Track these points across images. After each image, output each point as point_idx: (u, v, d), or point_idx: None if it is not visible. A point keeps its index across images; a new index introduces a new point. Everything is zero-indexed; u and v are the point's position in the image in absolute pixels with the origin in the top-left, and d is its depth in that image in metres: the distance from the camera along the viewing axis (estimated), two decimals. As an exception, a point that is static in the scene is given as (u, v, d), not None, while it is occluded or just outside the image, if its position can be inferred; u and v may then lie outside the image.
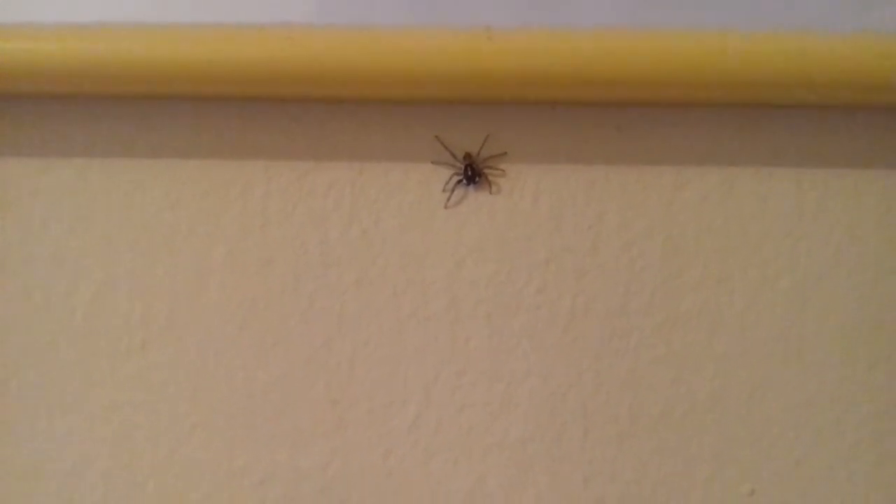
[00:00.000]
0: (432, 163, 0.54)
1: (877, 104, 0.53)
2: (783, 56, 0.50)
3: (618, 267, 0.55)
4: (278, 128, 0.54)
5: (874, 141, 0.54)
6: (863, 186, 0.55)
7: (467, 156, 0.54)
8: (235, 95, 0.53)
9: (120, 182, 0.55)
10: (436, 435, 0.56)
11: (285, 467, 0.56)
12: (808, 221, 0.55)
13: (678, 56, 0.50)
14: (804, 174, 0.55)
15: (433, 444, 0.56)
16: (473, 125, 0.54)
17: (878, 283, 0.55)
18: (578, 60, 0.50)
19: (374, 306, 0.55)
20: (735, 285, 0.55)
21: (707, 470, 0.56)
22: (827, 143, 0.54)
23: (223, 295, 0.55)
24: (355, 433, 0.56)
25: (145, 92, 0.53)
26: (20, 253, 0.55)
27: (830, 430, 0.56)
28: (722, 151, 0.55)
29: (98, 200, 0.55)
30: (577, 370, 0.56)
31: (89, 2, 0.51)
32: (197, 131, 0.54)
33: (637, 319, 0.55)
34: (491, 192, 0.55)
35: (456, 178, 0.54)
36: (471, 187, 0.54)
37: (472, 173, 0.54)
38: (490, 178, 0.55)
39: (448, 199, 0.55)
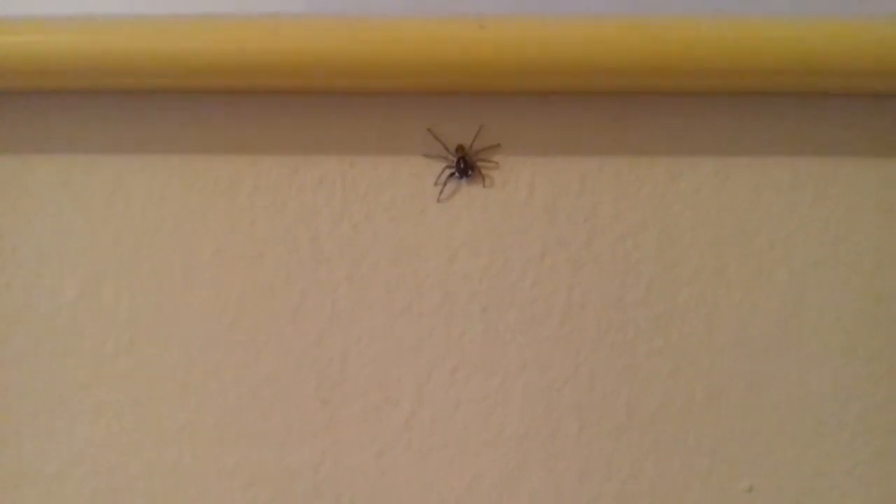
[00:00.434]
0: (424, 155, 0.54)
1: (875, 91, 0.53)
2: (779, 42, 0.50)
3: (613, 259, 0.55)
4: (266, 121, 0.54)
5: (872, 129, 0.54)
6: (860, 175, 0.54)
7: (460, 148, 0.54)
8: (222, 88, 0.53)
9: (105, 178, 0.54)
10: (430, 433, 0.56)
11: (275, 467, 0.55)
12: (805, 211, 0.55)
13: (672, 43, 0.50)
14: (800, 163, 0.54)
15: (427, 442, 0.56)
16: (466, 117, 0.54)
17: (876, 273, 0.55)
18: (572, 49, 0.50)
19: (366, 302, 0.55)
20: (731, 277, 0.55)
21: (705, 465, 0.56)
22: (824, 131, 0.54)
23: (211, 292, 0.55)
24: (347, 432, 0.55)
25: (130, 85, 0.52)
26: (3, 251, 0.54)
27: (830, 423, 0.56)
28: (717, 140, 0.54)
29: (82, 196, 0.54)
30: (573, 364, 0.55)
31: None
32: (183, 125, 0.54)
33: (633, 312, 0.55)
34: (484, 185, 0.54)
35: (448, 171, 0.54)
36: (463, 180, 0.54)
37: (465, 166, 0.54)
38: (483, 170, 0.54)
39: (440, 192, 0.54)
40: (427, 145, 0.54)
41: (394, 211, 0.54)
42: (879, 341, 0.55)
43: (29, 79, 0.51)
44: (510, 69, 0.50)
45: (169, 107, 0.53)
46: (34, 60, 0.49)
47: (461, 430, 0.56)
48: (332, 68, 0.50)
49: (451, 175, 0.54)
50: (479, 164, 0.54)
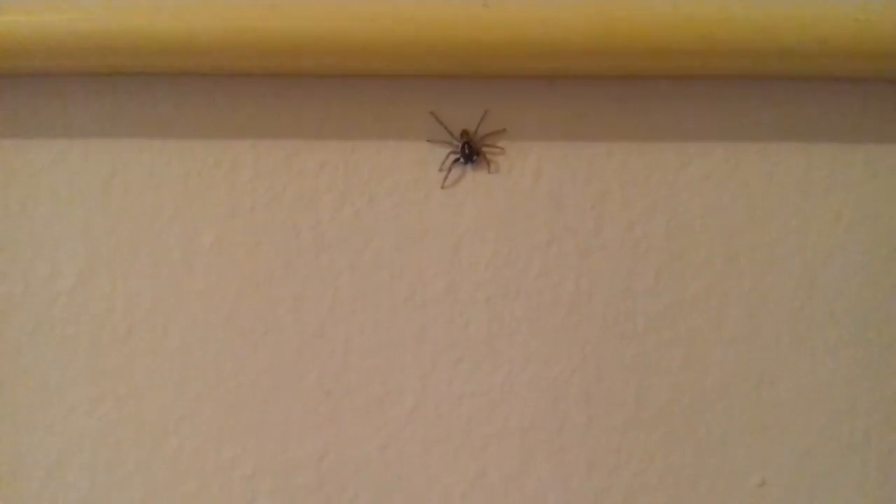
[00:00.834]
0: (428, 141, 0.54)
1: (891, 75, 0.52)
2: (792, 23, 0.49)
3: (621, 248, 0.54)
4: (266, 104, 0.53)
5: (886, 114, 0.54)
6: (874, 162, 0.54)
7: (465, 133, 0.53)
8: (219, 70, 0.52)
9: (101, 163, 0.54)
10: (434, 425, 0.55)
11: (277, 460, 0.55)
12: (818, 199, 0.54)
13: (681, 24, 0.50)
14: (813, 149, 0.54)
15: (431, 434, 0.55)
16: (471, 101, 0.53)
17: (890, 262, 0.54)
18: (578, 29, 0.50)
19: (368, 291, 0.54)
20: (742, 266, 0.54)
21: (715, 459, 0.55)
22: (837, 116, 0.54)
23: (210, 281, 0.54)
24: (350, 424, 0.55)
25: (124, 67, 0.52)
26: (-3, 238, 0.54)
27: (842, 416, 0.55)
28: (728, 126, 0.54)
29: (78, 182, 0.54)
30: (580, 356, 0.55)
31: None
32: (180, 108, 0.53)
33: (642, 302, 0.54)
34: (489, 171, 0.54)
35: (453, 157, 0.54)
36: (468, 166, 0.54)
37: (470, 151, 0.53)
38: (488, 156, 0.54)
39: (445, 178, 0.54)
40: (431, 130, 0.53)
41: (397, 197, 0.54)
42: (893, 332, 0.55)
43: (23, 61, 0.50)
44: (515, 50, 0.50)
45: (166, 90, 0.53)
46: (28, 42, 0.49)
47: (466, 422, 0.55)
48: (332, 49, 0.50)
49: (456, 161, 0.53)
50: (485, 149, 0.54)
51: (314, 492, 0.55)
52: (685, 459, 0.55)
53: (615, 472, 0.55)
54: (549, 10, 0.49)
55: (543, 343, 0.55)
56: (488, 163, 0.54)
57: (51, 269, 0.54)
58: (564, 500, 0.55)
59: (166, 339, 0.54)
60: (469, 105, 0.53)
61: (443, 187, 0.54)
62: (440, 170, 0.54)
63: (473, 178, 0.54)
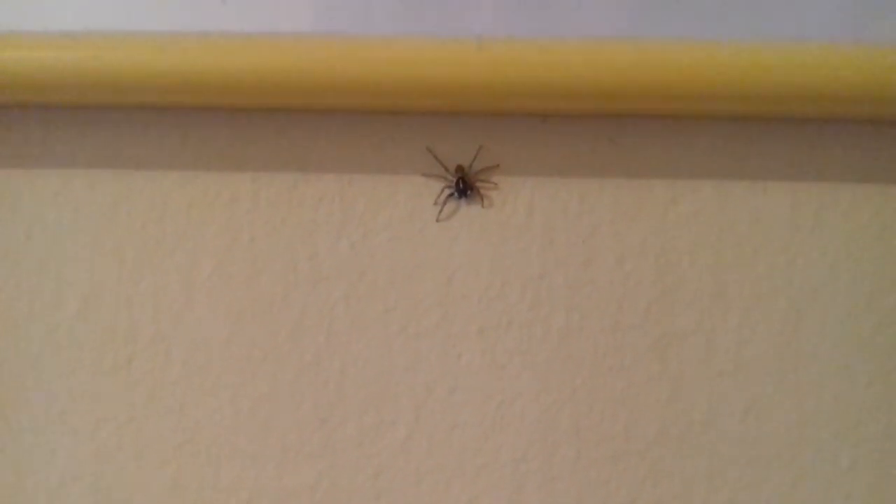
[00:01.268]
0: (423, 175, 0.54)
1: (875, 117, 0.53)
2: (779, 68, 0.50)
3: (612, 282, 0.55)
4: (266, 139, 0.54)
5: (871, 155, 0.54)
6: (859, 201, 0.54)
7: (459, 168, 0.54)
8: (222, 105, 0.53)
9: (105, 193, 0.54)
10: (427, 455, 0.55)
11: (272, 487, 0.55)
12: (804, 236, 0.55)
13: (672, 67, 0.50)
14: (800, 188, 0.54)
15: (424, 464, 0.55)
16: (465, 137, 0.54)
17: (875, 298, 0.55)
18: (570, 71, 0.50)
19: (363, 322, 0.55)
20: (730, 301, 0.55)
21: (703, 490, 0.55)
22: (823, 156, 0.54)
23: (210, 309, 0.55)
24: (344, 453, 0.55)
25: (130, 102, 0.52)
26: (3, 266, 0.55)
27: (828, 449, 0.55)
28: (716, 164, 0.54)
29: (83, 212, 0.54)
30: (571, 387, 0.55)
31: (73, 10, 0.51)
32: (183, 142, 0.54)
33: (631, 336, 0.55)
34: (483, 206, 0.54)
35: (448, 191, 0.54)
36: (463, 200, 0.54)
37: (464, 186, 0.54)
38: (482, 191, 0.54)
39: (440, 212, 0.54)
40: (426, 165, 0.54)
41: (392, 230, 0.54)
42: (878, 367, 0.55)
43: (30, 94, 0.51)
44: (509, 90, 0.50)
45: (170, 123, 0.54)
46: (36, 76, 0.50)
47: (458, 452, 0.55)
48: (331, 87, 0.50)
49: (451, 195, 0.54)
50: (479, 184, 0.54)
51: (308, 518, 0.55)
52: (674, 491, 0.55)
53: (605, 503, 0.55)
54: (541, 52, 0.50)
55: (535, 375, 0.55)
56: (482, 197, 0.54)
57: (55, 296, 0.54)
58: (554, 530, 0.55)
59: (167, 367, 0.55)
60: (464, 141, 0.54)
61: (437, 221, 0.54)
62: (435, 204, 0.54)
63: (467, 212, 0.54)
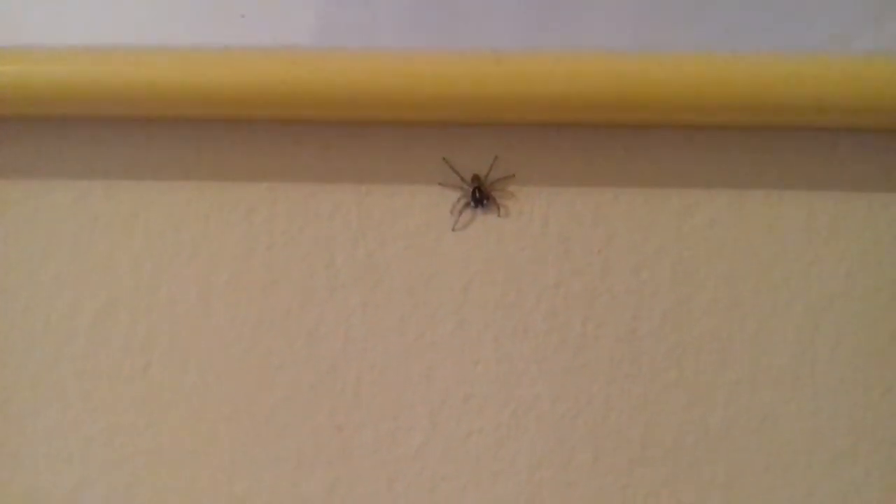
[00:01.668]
0: (440, 185, 0.54)
1: (891, 127, 0.53)
2: (794, 78, 0.50)
3: (627, 291, 0.55)
4: (283, 150, 0.54)
5: (887, 164, 0.54)
6: (875, 210, 0.54)
7: (475, 178, 0.54)
8: (239, 118, 0.53)
9: (122, 204, 0.54)
10: (442, 462, 0.55)
11: (288, 494, 0.55)
12: (820, 245, 0.54)
13: (687, 79, 0.50)
14: (815, 197, 0.54)
15: (439, 471, 0.55)
16: (481, 147, 0.54)
17: (891, 307, 0.55)
18: (587, 83, 0.50)
19: (380, 330, 0.55)
20: (746, 310, 0.55)
21: (719, 498, 0.55)
22: (839, 165, 0.54)
23: (227, 318, 0.55)
24: (360, 460, 0.55)
25: (148, 114, 0.53)
26: (21, 275, 0.55)
27: (844, 457, 0.55)
28: (732, 174, 0.54)
29: (100, 222, 0.55)
30: (587, 396, 0.55)
31: (90, 24, 0.51)
32: (200, 153, 0.54)
33: (648, 344, 0.55)
34: (499, 215, 0.54)
35: (464, 201, 0.54)
36: (479, 210, 0.54)
37: (481, 196, 0.54)
38: (498, 200, 0.54)
39: (455, 221, 0.54)
40: (443, 175, 0.54)
41: (409, 239, 0.54)
42: (894, 376, 0.55)
43: (50, 107, 0.51)
44: (525, 102, 0.50)
45: (187, 134, 0.54)
46: (54, 89, 0.50)
47: (473, 459, 0.55)
48: (348, 101, 0.50)
49: (467, 205, 0.54)
50: (495, 194, 0.54)
51: (324, 526, 0.55)
52: (690, 499, 0.55)
53: (620, 511, 0.55)
54: (558, 65, 0.50)
55: (550, 383, 0.55)
56: (498, 207, 0.54)
57: (72, 305, 0.55)
58: (569, 538, 0.55)
59: (183, 375, 0.55)
60: (480, 151, 0.54)
61: (453, 230, 0.54)
62: (451, 213, 0.54)
63: (483, 221, 0.54)
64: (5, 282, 0.55)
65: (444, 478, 0.55)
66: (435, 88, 0.50)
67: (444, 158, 0.54)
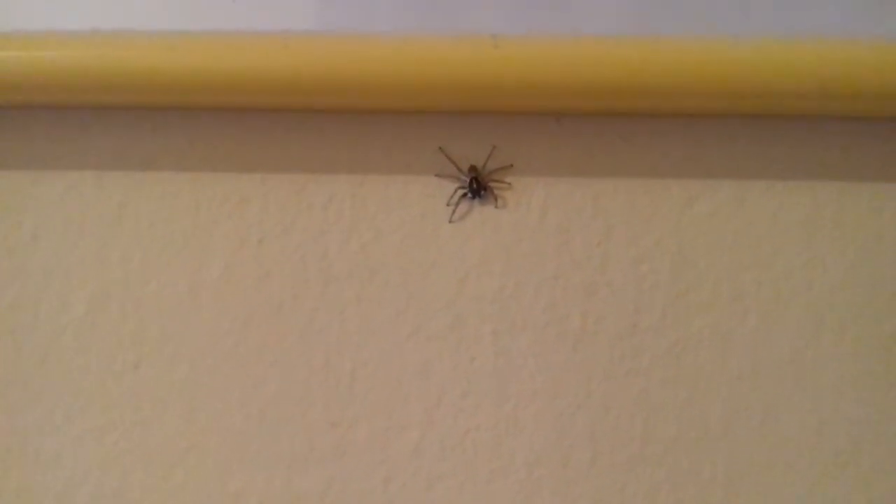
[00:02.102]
0: (436, 175, 0.54)
1: (894, 115, 0.52)
2: (797, 64, 0.50)
3: (627, 284, 0.54)
4: (276, 139, 0.54)
5: (891, 154, 0.54)
6: (880, 201, 0.54)
7: (472, 168, 0.53)
8: (231, 105, 0.53)
9: (112, 195, 0.54)
10: (439, 459, 0.55)
11: (282, 492, 0.55)
12: (824, 237, 0.54)
13: (688, 64, 0.50)
14: (819, 187, 0.54)
15: (436, 468, 0.55)
16: (479, 137, 0.54)
17: (895, 300, 0.54)
18: (586, 69, 0.50)
19: (374, 324, 0.54)
20: (748, 303, 0.54)
21: (720, 496, 0.55)
22: (843, 154, 0.54)
23: (218, 312, 0.54)
24: (355, 457, 0.55)
25: (138, 102, 0.52)
26: (9, 267, 0.54)
27: (848, 454, 0.55)
28: (734, 163, 0.54)
29: (90, 214, 0.54)
30: (586, 391, 0.55)
31: (79, 9, 0.51)
32: (191, 142, 0.54)
33: (647, 338, 0.54)
34: (497, 206, 0.54)
35: (461, 192, 0.54)
36: (476, 201, 0.54)
37: (478, 186, 0.53)
38: (496, 191, 0.54)
39: (452, 212, 0.54)
40: (439, 165, 0.54)
41: (404, 231, 0.54)
42: (900, 370, 0.54)
43: (37, 94, 0.51)
44: (524, 88, 0.50)
45: (177, 124, 0.53)
46: (42, 76, 0.49)
47: (471, 456, 0.55)
48: (342, 86, 0.50)
49: (464, 195, 0.54)
50: (492, 184, 0.54)
51: (318, 524, 0.55)
52: (690, 496, 0.55)
53: (620, 509, 0.55)
54: (557, 50, 0.50)
55: (549, 378, 0.54)
56: (495, 198, 0.54)
57: (61, 299, 0.54)
58: (569, 536, 0.55)
59: (174, 370, 0.54)
60: (477, 141, 0.53)
61: (450, 221, 0.54)
62: (448, 204, 0.54)
63: (481, 212, 0.54)
64: (-8, 275, 0.55)
65: (441, 476, 0.55)
66: (431, 73, 0.49)
67: (440, 148, 0.54)
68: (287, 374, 0.54)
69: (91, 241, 0.54)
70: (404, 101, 0.51)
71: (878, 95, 0.50)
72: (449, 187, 0.54)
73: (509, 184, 0.54)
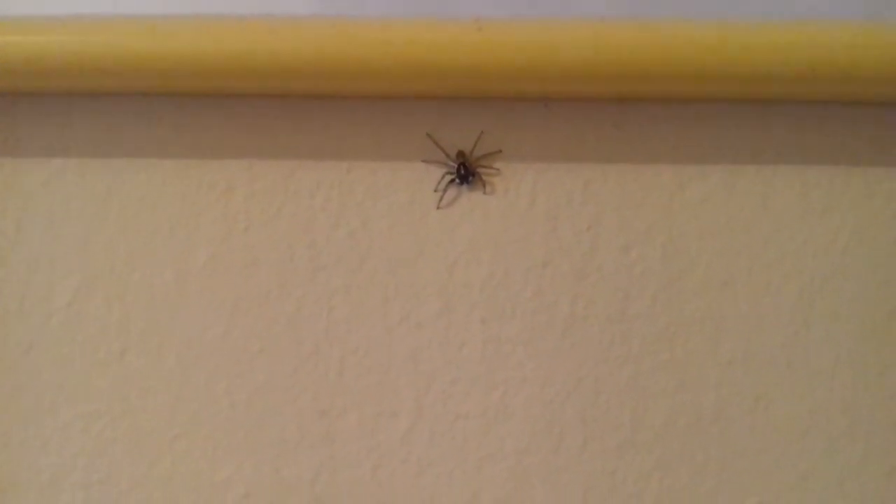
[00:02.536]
0: (423, 161, 0.54)
1: (889, 99, 0.53)
2: (787, 47, 0.49)
3: (617, 270, 0.54)
4: (262, 125, 0.54)
5: (883, 138, 0.54)
6: (871, 185, 0.54)
7: (460, 154, 0.53)
8: (216, 91, 0.52)
9: (96, 182, 0.54)
10: (428, 446, 0.55)
11: (271, 481, 0.55)
12: (815, 222, 0.54)
13: (677, 48, 0.50)
14: (810, 172, 0.54)
15: (426, 456, 0.55)
16: (467, 122, 0.53)
17: (887, 285, 0.54)
18: (572, 53, 0.50)
19: (363, 311, 0.54)
20: (739, 289, 0.54)
21: (711, 482, 0.55)
22: (834, 139, 0.54)
23: (205, 300, 0.54)
24: (344, 445, 0.55)
25: (122, 88, 0.52)
26: (-7, 257, 0.54)
27: (840, 439, 0.55)
28: (724, 149, 0.54)
29: (74, 201, 0.54)
30: (576, 378, 0.54)
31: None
32: (176, 129, 0.54)
33: (638, 324, 0.54)
34: (485, 192, 0.54)
35: (449, 178, 0.54)
36: (464, 187, 0.54)
37: (466, 172, 0.53)
38: (484, 177, 0.54)
39: (440, 199, 0.54)
40: (427, 151, 0.53)
41: (392, 218, 0.54)
42: (891, 356, 0.54)
43: (20, 80, 0.51)
44: (509, 72, 0.50)
45: (163, 110, 0.53)
46: (23, 61, 0.49)
47: (460, 443, 0.55)
48: (328, 71, 0.50)
49: (452, 181, 0.53)
50: (480, 170, 0.54)
51: (307, 513, 0.55)
52: (681, 482, 0.55)
53: (610, 495, 0.55)
54: (543, 33, 0.49)
55: (539, 365, 0.54)
56: (484, 184, 0.54)
57: (46, 288, 0.54)
58: (559, 523, 0.55)
59: (161, 358, 0.54)
60: (465, 126, 0.53)
61: (438, 208, 0.54)
62: (436, 190, 0.54)
63: (469, 198, 0.54)
64: (-24, 264, 0.54)
65: (431, 463, 0.55)
66: (416, 58, 0.49)
67: (427, 134, 0.53)
68: (275, 362, 0.54)
69: (76, 229, 0.54)
70: (389, 85, 0.51)
71: (870, 80, 0.50)
72: (437, 173, 0.54)
73: (498, 169, 0.54)
